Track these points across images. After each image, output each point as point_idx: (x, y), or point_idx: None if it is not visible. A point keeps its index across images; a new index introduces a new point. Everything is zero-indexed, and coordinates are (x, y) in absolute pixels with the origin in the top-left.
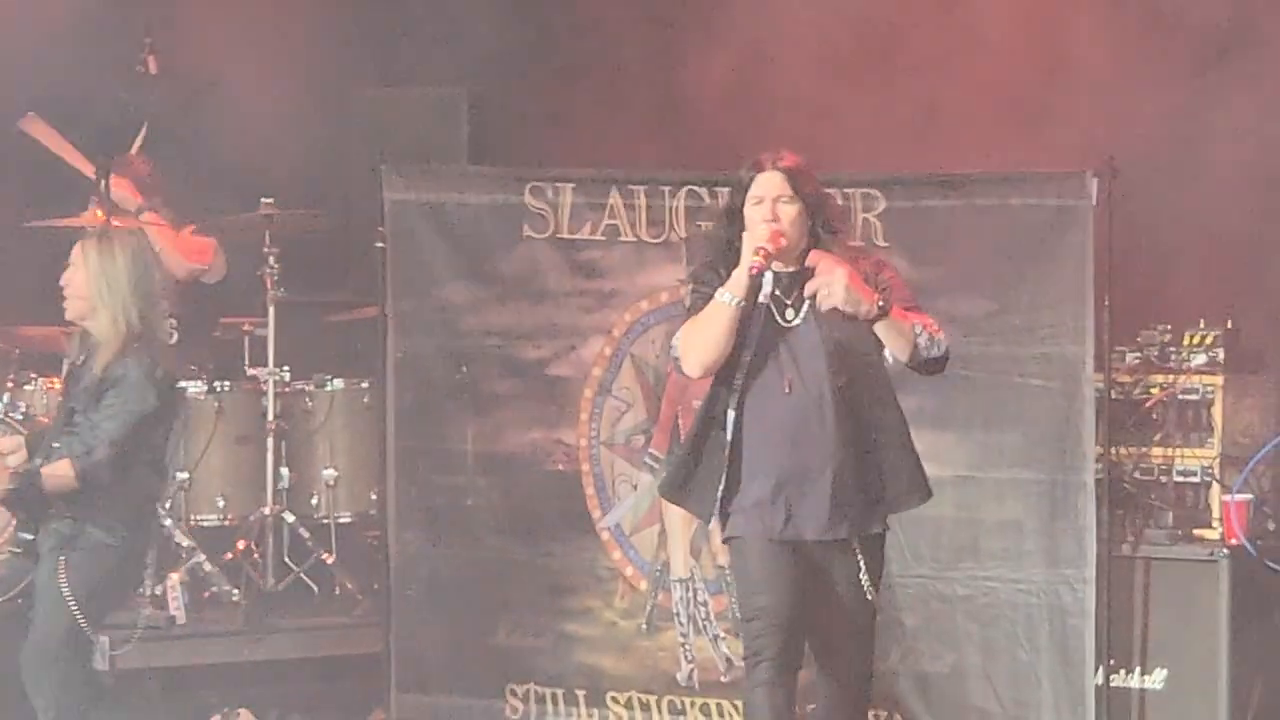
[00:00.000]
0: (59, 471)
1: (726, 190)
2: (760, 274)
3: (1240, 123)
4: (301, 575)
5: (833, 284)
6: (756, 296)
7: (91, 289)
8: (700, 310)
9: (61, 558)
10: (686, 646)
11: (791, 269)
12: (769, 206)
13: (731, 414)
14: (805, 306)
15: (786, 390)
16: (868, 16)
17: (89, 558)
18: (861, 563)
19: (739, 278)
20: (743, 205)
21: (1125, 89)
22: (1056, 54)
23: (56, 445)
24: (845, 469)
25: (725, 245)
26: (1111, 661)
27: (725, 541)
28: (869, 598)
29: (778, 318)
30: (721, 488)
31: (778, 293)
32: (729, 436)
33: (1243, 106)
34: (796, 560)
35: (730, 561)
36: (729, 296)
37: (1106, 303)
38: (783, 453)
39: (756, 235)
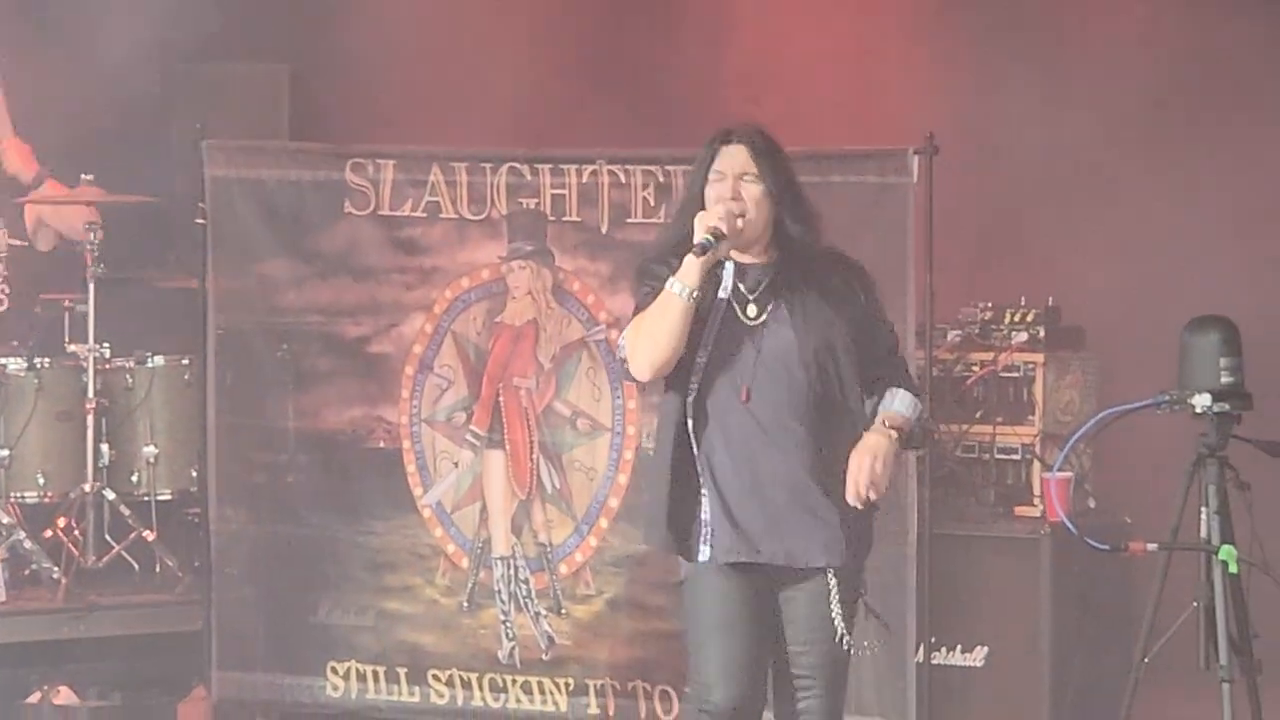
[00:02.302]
0: None
1: (684, 169)
2: (706, 248)
3: (1060, 100)
4: (122, 553)
5: (875, 480)
6: (715, 290)
7: None
8: (648, 307)
9: None
10: (508, 624)
11: (758, 260)
12: (730, 184)
13: (690, 424)
14: (772, 304)
15: (743, 399)
16: None
17: None
18: (834, 593)
19: (690, 264)
20: (703, 181)
21: (945, 67)
22: (876, 31)
23: None
24: (817, 488)
25: (680, 234)
26: (933, 639)
27: (681, 583)
28: (841, 633)
29: (739, 314)
30: (707, 512)
31: (740, 286)
32: (696, 450)
33: (1062, 84)
34: (757, 595)
35: (683, 597)
36: (679, 286)
37: (928, 280)
38: (744, 470)
39: (709, 213)
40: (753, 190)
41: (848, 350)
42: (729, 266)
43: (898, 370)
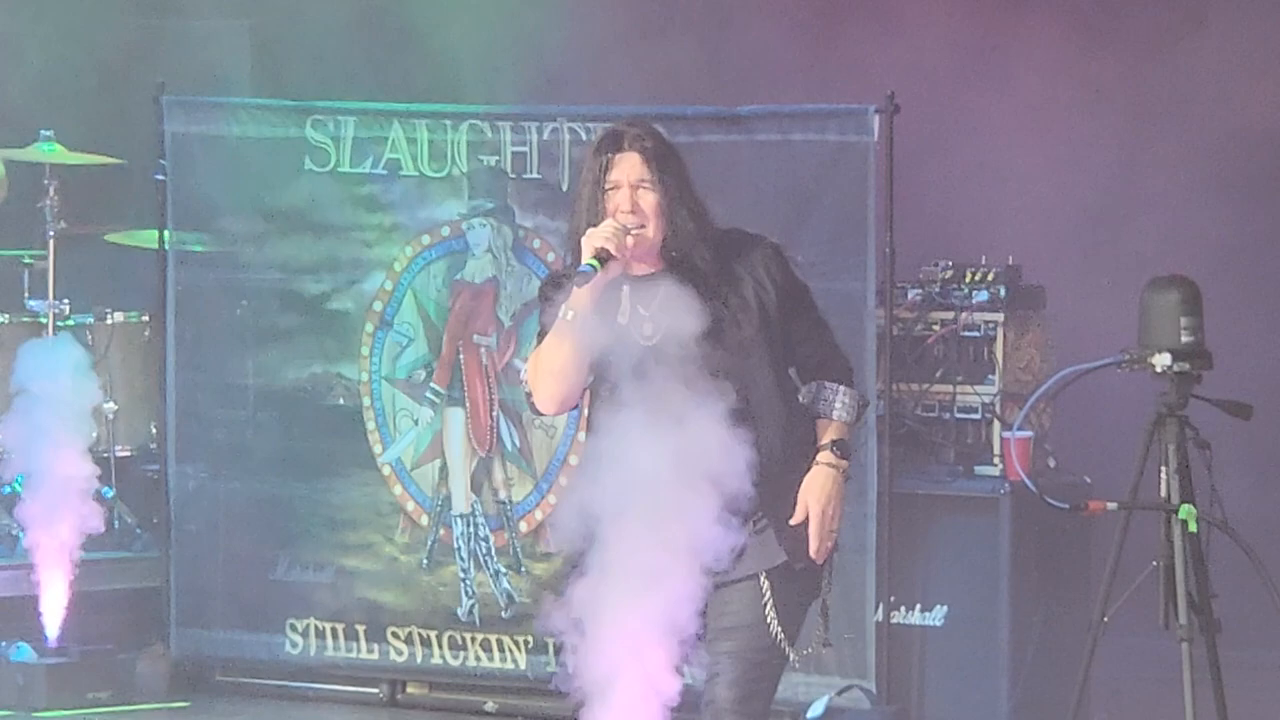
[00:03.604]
0: None
1: (580, 170)
2: (590, 275)
3: (1021, 59)
4: None
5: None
6: (615, 315)
7: None
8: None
9: None
10: (467, 582)
11: (652, 270)
12: (627, 194)
13: None
14: (670, 318)
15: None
16: None
17: None
18: (768, 597)
19: (577, 293)
20: (598, 192)
21: (906, 24)
22: None
23: None
24: (759, 500)
25: (576, 245)
26: (892, 598)
27: None
28: (778, 636)
29: (639, 335)
30: None
31: (639, 307)
32: None
33: (1023, 42)
34: None
35: None
36: (572, 314)
37: (888, 239)
38: None
39: (596, 234)
40: (650, 199)
41: (761, 340)
42: (625, 289)
43: (825, 344)
